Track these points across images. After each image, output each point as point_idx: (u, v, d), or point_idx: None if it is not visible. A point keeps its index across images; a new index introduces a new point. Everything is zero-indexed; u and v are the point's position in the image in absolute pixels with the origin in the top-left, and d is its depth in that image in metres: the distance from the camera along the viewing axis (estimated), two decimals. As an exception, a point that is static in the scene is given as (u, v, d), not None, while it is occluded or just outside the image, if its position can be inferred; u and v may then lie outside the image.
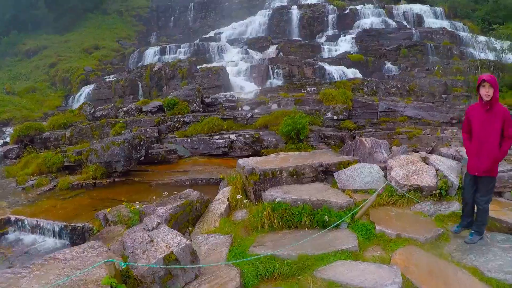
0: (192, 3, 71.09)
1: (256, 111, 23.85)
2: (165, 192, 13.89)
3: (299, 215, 8.59)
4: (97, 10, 70.35)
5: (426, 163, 10.74)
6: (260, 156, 20.84)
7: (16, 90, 48.00)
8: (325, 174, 10.83)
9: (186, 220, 10.20)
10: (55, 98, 47.40)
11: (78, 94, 44.81)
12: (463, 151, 11.12)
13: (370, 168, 10.76)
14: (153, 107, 26.66)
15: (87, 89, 44.27)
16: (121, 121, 25.04)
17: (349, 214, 8.49)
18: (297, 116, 20.78)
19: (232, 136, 21.38)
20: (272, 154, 12.41)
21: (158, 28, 70.65)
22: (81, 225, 13.03)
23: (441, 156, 11.58)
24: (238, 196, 10.44)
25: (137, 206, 11.54)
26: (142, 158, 19.73)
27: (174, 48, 51.77)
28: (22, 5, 61.67)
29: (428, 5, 59.12)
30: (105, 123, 25.29)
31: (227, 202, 10.58)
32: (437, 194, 9.69)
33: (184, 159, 21.52)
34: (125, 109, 27.62)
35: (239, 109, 25.35)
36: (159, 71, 42.61)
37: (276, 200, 8.84)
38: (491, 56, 40.91)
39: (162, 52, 51.86)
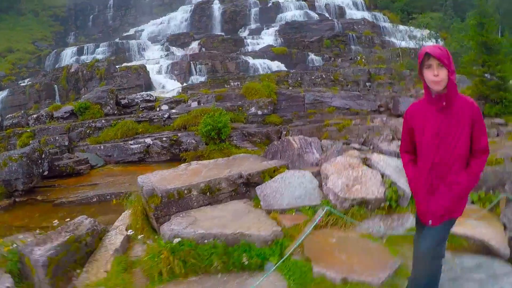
0: (111, 1, 68.01)
1: (174, 111, 21.40)
2: (56, 221, 11.28)
3: (208, 256, 6.04)
4: (11, 10, 65.71)
5: (368, 165, 8.60)
6: (179, 160, 18.73)
7: None
8: (247, 186, 8.55)
9: (73, 261, 7.70)
10: None
11: (-8, 101, 41.07)
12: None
13: (301, 177, 8.46)
14: (65, 112, 23.74)
15: (0, 96, 40.66)
16: (28, 130, 22.03)
17: (276, 251, 6.19)
18: (217, 114, 18.54)
19: (148, 140, 18.91)
20: (182, 165, 9.90)
21: (76, 27, 66.99)
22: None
23: (383, 154, 9.53)
24: (129, 232, 8.00)
25: (17, 243, 8.99)
26: (46, 172, 16.92)
27: (92, 48, 48.89)
28: None
29: None
30: (12, 133, 22.24)
31: (125, 233, 8.15)
32: (386, 207, 7.48)
33: (97, 168, 18.86)
34: (35, 116, 24.66)
35: (157, 109, 22.85)
36: (76, 72, 39.62)
37: (176, 239, 6.33)
38: (412, 44, 41.23)
39: (80, 52, 48.80)
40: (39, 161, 16.53)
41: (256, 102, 22.10)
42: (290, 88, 28.98)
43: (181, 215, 7.41)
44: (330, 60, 41.62)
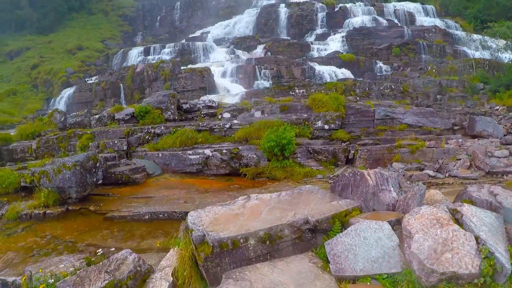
0: (179, 2, 67.74)
1: (236, 121, 19.98)
2: (100, 251, 10.12)
3: None
4: (83, 9, 66.78)
5: (458, 222, 6.89)
6: (239, 175, 17.38)
7: (-4, 94, 44.28)
8: (313, 232, 7.05)
9: (110, 311, 6.57)
10: (36, 101, 44.25)
11: (59, 96, 41.97)
12: (499, 193, 7.47)
13: (378, 230, 6.77)
14: (126, 114, 22.86)
15: (68, 92, 41.40)
16: (88, 132, 21.22)
17: None
18: (281, 130, 16.96)
19: (207, 152, 17.60)
20: (240, 200, 8.36)
21: (144, 27, 67.10)
22: (10, 279, 9.25)
23: (474, 204, 7.87)
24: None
25: (57, 274, 7.85)
26: (100, 181, 15.92)
27: (158, 49, 48.59)
28: (5, 5, 57.61)
29: (419, 3, 57.09)
30: (72, 134, 21.50)
31: (171, 279, 6.82)
32: (479, 284, 5.78)
33: (154, 177, 17.72)
34: (97, 116, 23.97)
35: (219, 116, 21.55)
36: (141, 72, 39.33)
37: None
38: (486, 55, 39.12)
39: (146, 52, 48.60)
40: (93, 169, 15.49)
41: (323, 116, 20.47)
42: (357, 98, 27.49)
43: (233, 276, 5.92)
44: (399, 69, 39.87)
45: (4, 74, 50.29)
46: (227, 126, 19.49)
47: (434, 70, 36.86)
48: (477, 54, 40.97)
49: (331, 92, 28.12)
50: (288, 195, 8.94)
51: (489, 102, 28.70)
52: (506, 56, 36.95)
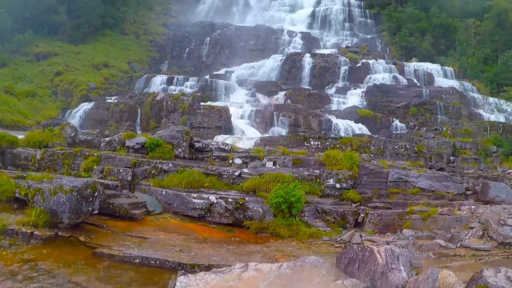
0: (208, 38, 67.83)
1: (246, 170, 18.95)
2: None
3: None
4: (116, 28, 66.65)
5: None
6: (242, 227, 16.27)
7: (16, 91, 43.90)
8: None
9: None
10: (52, 108, 43.60)
11: (76, 109, 41.45)
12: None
13: None
14: (137, 143, 21.92)
15: (85, 106, 40.80)
16: (95, 154, 20.31)
17: None
18: (291, 186, 16.01)
19: (212, 198, 16.55)
20: (236, 268, 7.28)
21: (171, 57, 67.04)
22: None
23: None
24: None
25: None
26: (96, 211, 14.89)
27: (182, 80, 48.18)
28: (43, 7, 57.42)
29: (438, 64, 57.23)
30: (79, 153, 20.61)
31: None
32: None
33: (153, 215, 16.65)
34: (107, 139, 23.11)
35: (230, 160, 20.58)
36: (161, 101, 38.94)
37: None
38: (501, 118, 39.26)
39: (170, 82, 48.18)
40: (91, 198, 14.49)
41: (335, 174, 19.44)
42: (371, 155, 26.85)
43: None
44: (414, 128, 39.42)
45: (28, 74, 49.84)
46: (236, 173, 18.49)
47: (449, 131, 36.70)
48: (492, 117, 40.89)
49: (346, 148, 27.81)
50: (289, 268, 7.94)
51: (501, 166, 28.28)
52: None
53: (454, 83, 51.44)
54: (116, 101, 41.36)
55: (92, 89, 46.37)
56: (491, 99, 44.35)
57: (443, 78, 53.45)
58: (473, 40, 63.95)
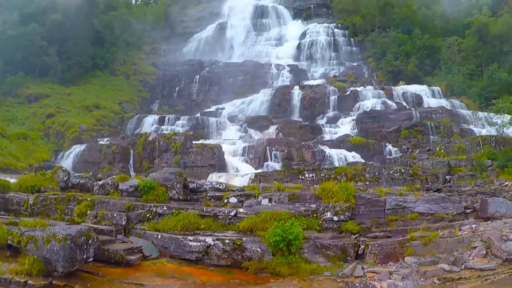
0: (198, 76, 68.42)
1: (241, 210, 18.55)
2: None
3: None
4: (106, 69, 67.09)
5: None
6: (241, 268, 15.75)
7: (8, 133, 43.67)
8: None
9: None
10: (45, 150, 43.33)
11: (68, 151, 41.23)
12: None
13: None
14: (130, 186, 21.52)
15: (78, 149, 40.54)
16: (88, 199, 19.96)
17: None
18: (288, 224, 15.68)
19: (209, 240, 16.16)
20: None
21: (162, 96, 67.41)
22: None
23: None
24: None
25: None
26: (91, 259, 14.48)
27: (173, 119, 48.45)
28: (34, 48, 57.93)
29: (426, 85, 58.38)
30: (72, 198, 20.23)
31: None
32: None
33: (150, 260, 16.18)
34: (100, 183, 22.73)
35: (225, 200, 20.22)
36: (153, 142, 38.94)
37: None
38: (492, 131, 39.09)
39: (161, 121, 48.36)
40: (85, 246, 14.12)
41: (332, 207, 19.09)
42: (367, 183, 27.06)
43: None
44: (407, 151, 39.51)
45: (20, 116, 49.86)
46: (232, 213, 18.11)
47: (442, 151, 36.74)
48: (484, 132, 40.92)
49: (341, 178, 27.78)
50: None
51: (498, 179, 28.20)
52: (511, 131, 37.07)
53: (442, 102, 52.13)
54: (108, 142, 41.14)
55: (84, 131, 46.27)
56: (480, 114, 44.76)
57: (432, 98, 54.15)
58: (457, 57, 65.10)
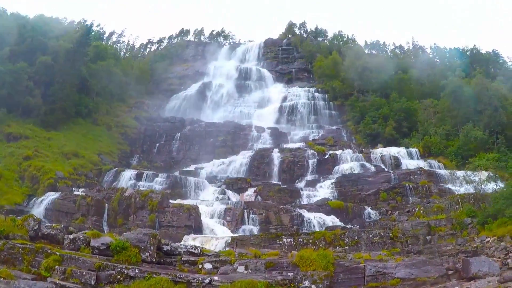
0: (179, 134, 68.46)
1: (216, 278, 17.62)
2: None
3: None
4: (89, 117, 66.33)
5: None
6: None
7: (-18, 171, 42.10)
8: None
9: None
10: (18, 193, 41.50)
11: (42, 198, 39.66)
12: None
13: None
14: (102, 243, 20.50)
15: (52, 196, 39.04)
16: (57, 253, 18.89)
17: None
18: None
19: (181, 309, 15.20)
20: None
21: (142, 151, 66.74)
22: None
23: None
24: None
25: None
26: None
27: (151, 176, 47.56)
28: (20, 87, 57.34)
29: (403, 147, 59.06)
30: (40, 250, 19.10)
31: None
32: None
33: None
34: (72, 236, 21.61)
35: (200, 265, 19.32)
36: (129, 197, 37.85)
37: None
38: (471, 189, 38.49)
39: (139, 177, 47.39)
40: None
41: (310, 275, 18.32)
42: (346, 248, 26.71)
43: None
44: (387, 213, 39.38)
45: (-3, 154, 48.48)
46: (206, 281, 17.20)
47: (421, 211, 36.51)
48: (462, 190, 40.83)
49: (319, 243, 27.26)
50: None
51: (479, 236, 27.59)
52: (489, 187, 36.04)
53: (420, 163, 52.45)
54: (83, 193, 39.78)
55: (60, 178, 44.83)
56: (458, 173, 44.63)
57: (409, 160, 54.61)
58: (433, 118, 66.99)
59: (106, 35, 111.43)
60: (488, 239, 25.99)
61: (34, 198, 40.56)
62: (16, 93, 57.02)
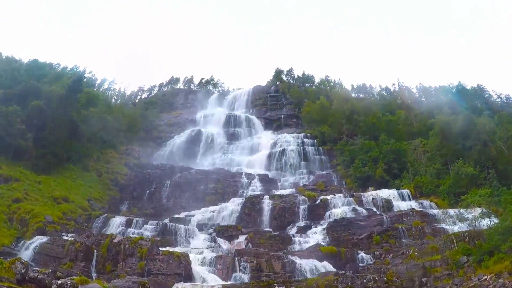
0: (169, 181, 67.77)
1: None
2: None
3: None
4: (79, 163, 65.47)
5: None
6: None
7: (-30, 212, 41.17)
8: None
9: None
10: (6, 235, 40.68)
11: (30, 241, 38.84)
12: None
13: None
14: (90, 291, 19.76)
15: (40, 240, 38.32)
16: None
17: None
18: None
19: None
20: None
21: (132, 197, 65.65)
22: None
23: None
24: None
25: None
26: None
27: (141, 223, 46.69)
28: (13, 130, 56.92)
29: (394, 189, 58.92)
30: (27, 294, 18.33)
31: None
32: None
33: None
34: (59, 282, 21.53)
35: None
36: (118, 244, 37.14)
37: None
38: (465, 227, 38.30)
39: (128, 224, 46.51)
40: None
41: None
42: None
43: None
44: (381, 257, 38.68)
45: (-15, 196, 47.66)
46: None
47: (416, 253, 36.01)
48: (456, 228, 40.11)
49: None
50: None
51: (476, 274, 27.46)
52: (484, 224, 35.89)
53: (412, 204, 52.00)
54: (72, 238, 38.98)
55: (49, 222, 44.12)
56: (451, 211, 44.06)
57: (401, 202, 54.07)
58: (423, 158, 66.66)
59: (98, 81, 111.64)
60: (485, 277, 25.93)
61: (22, 241, 39.79)
62: (8, 136, 56.73)
